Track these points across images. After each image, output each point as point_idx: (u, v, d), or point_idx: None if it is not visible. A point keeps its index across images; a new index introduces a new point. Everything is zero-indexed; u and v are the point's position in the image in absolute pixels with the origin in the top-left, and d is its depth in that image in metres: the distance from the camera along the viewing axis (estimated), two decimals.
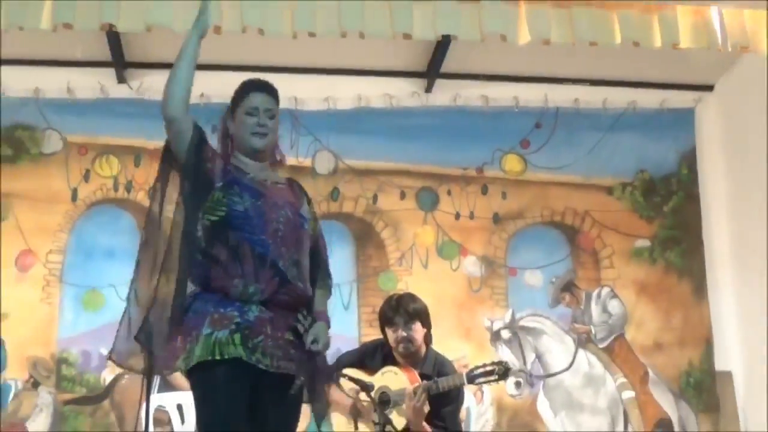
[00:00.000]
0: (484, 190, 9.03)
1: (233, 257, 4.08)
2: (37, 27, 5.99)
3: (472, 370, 5.08)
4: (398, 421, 5.01)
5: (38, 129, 8.52)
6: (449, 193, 8.98)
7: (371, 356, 5.42)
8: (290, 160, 8.54)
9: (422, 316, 5.33)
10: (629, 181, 9.19)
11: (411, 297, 5.45)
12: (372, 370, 5.25)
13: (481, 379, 5.09)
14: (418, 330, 5.28)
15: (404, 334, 5.23)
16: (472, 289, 8.84)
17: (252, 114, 4.39)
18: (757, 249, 8.65)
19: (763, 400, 8.54)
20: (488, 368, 5.06)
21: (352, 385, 5.02)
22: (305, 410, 4.28)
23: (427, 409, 5.01)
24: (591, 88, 9.22)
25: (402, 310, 5.29)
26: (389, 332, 5.32)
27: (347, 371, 5.22)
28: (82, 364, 8.23)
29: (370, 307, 8.34)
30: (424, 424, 5.02)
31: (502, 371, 5.09)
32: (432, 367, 5.28)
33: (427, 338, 5.40)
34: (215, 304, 4.02)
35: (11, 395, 8.07)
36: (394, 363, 5.32)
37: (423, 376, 5.20)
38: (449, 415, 5.19)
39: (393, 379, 5.14)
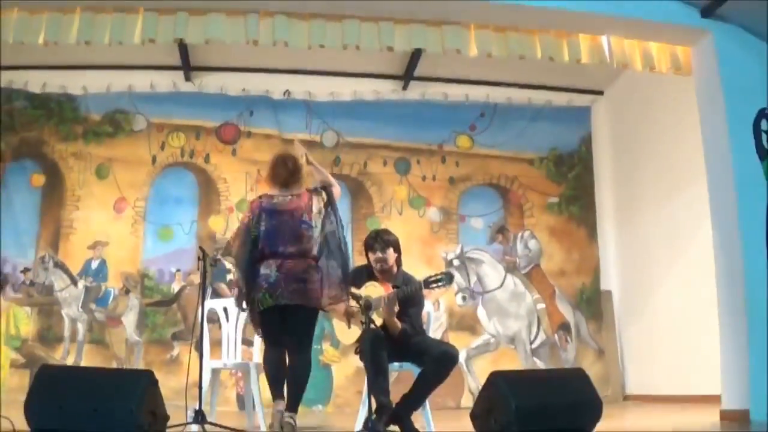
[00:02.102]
0: (443, 160, 9.16)
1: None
2: (131, 42, 6.02)
3: (427, 278, 5.02)
4: (379, 321, 4.98)
5: (130, 113, 8.68)
6: (418, 162, 9.10)
7: (359, 276, 5.36)
8: (305, 137, 8.77)
9: (394, 244, 5.30)
10: (545, 156, 9.32)
11: (386, 231, 5.45)
12: (359, 286, 5.20)
13: (433, 285, 5.03)
14: (390, 254, 5.24)
15: (380, 255, 5.20)
16: (433, 230, 8.99)
17: None
18: (632, 206, 8.89)
19: (631, 310, 8.89)
20: (438, 276, 4.99)
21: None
22: None
23: (397, 309, 4.97)
24: (519, 90, 9.33)
25: (379, 239, 5.28)
26: (370, 255, 5.30)
27: None
28: (158, 278, 8.43)
29: (361, 242, 8.43)
30: (395, 320, 4.99)
31: (448, 278, 5.03)
32: (401, 281, 5.25)
33: (398, 261, 5.36)
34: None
35: (111, 298, 8.28)
36: (375, 280, 5.29)
37: (395, 287, 5.18)
38: (414, 314, 5.17)
39: (374, 290, 5.08)
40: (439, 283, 4.98)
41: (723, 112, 5.74)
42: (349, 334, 5.15)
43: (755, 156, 5.56)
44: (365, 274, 5.32)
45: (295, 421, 4.67)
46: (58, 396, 3.33)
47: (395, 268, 5.32)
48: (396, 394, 4.91)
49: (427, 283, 4.97)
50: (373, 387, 4.71)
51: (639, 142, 8.71)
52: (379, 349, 4.76)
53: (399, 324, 5.00)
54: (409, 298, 5.06)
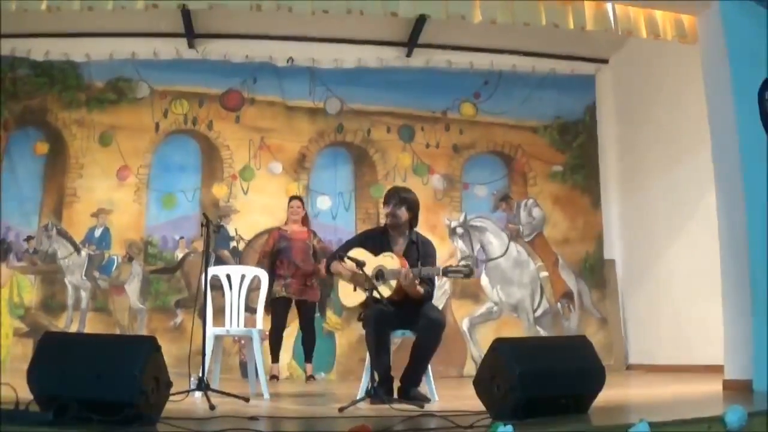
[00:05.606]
0: (447, 128, 9.12)
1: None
2: (134, 8, 5.91)
3: (446, 267, 4.94)
4: (385, 291, 4.94)
5: (133, 81, 8.64)
6: (422, 129, 9.07)
7: (371, 239, 5.29)
8: (309, 104, 8.80)
9: (409, 203, 5.21)
10: (549, 124, 9.28)
11: (406, 189, 5.37)
12: (373, 252, 5.14)
13: (451, 275, 4.97)
14: (403, 212, 5.17)
15: (392, 210, 5.15)
16: (437, 198, 8.97)
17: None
18: (636, 175, 8.86)
19: (634, 279, 8.91)
20: (459, 267, 4.91)
21: (352, 263, 4.94)
22: None
23: (417, 281, 4.91)
24: (524, 57, 9.26)
25: (396, 195, 5.22)
26: (384, 209, 5.26)
27: (349, 253, 5.13)
28: (162, 245, 8.44)
29: (363, 209, 8.61)
30: (417, 287, 4.92)
31: (468, 272, 4.95)
32: (416, 237, 5.18)
33: (412, 222, 5.30)
34: None
35: (114, 266, 8.30)
36: (391, 249, 5.21)
37: (410, 242, 5.11)
38: (429, 281, 5.13)
39: (389, 261, 5.02)
40: (458, 275, 4.94)
41: (728, 81, 5.66)
42: (351, 296, 5.13)
43: (760, 125, 5.51)
44: (380, 239, 5.25)
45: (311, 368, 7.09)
46: (61, 362, 3.32)
47: (407, 228, 5.27)
48: (398, 361, 4.94)
49: (446, 271, 4.91)
50: (375, 362, 4.75)
51: (643, 110, 8.65)
52: (383, 326, 4.77)
53: (421, 289, 4.98)
54: (425, 264, 5.06)
